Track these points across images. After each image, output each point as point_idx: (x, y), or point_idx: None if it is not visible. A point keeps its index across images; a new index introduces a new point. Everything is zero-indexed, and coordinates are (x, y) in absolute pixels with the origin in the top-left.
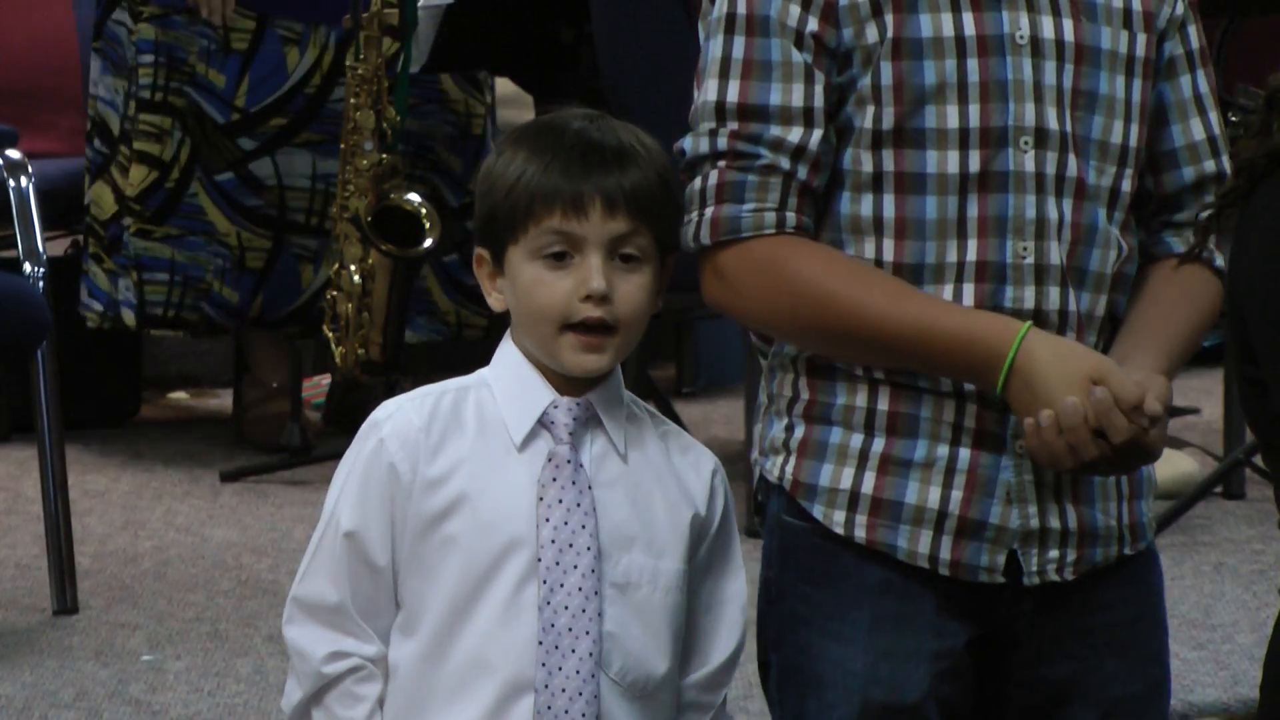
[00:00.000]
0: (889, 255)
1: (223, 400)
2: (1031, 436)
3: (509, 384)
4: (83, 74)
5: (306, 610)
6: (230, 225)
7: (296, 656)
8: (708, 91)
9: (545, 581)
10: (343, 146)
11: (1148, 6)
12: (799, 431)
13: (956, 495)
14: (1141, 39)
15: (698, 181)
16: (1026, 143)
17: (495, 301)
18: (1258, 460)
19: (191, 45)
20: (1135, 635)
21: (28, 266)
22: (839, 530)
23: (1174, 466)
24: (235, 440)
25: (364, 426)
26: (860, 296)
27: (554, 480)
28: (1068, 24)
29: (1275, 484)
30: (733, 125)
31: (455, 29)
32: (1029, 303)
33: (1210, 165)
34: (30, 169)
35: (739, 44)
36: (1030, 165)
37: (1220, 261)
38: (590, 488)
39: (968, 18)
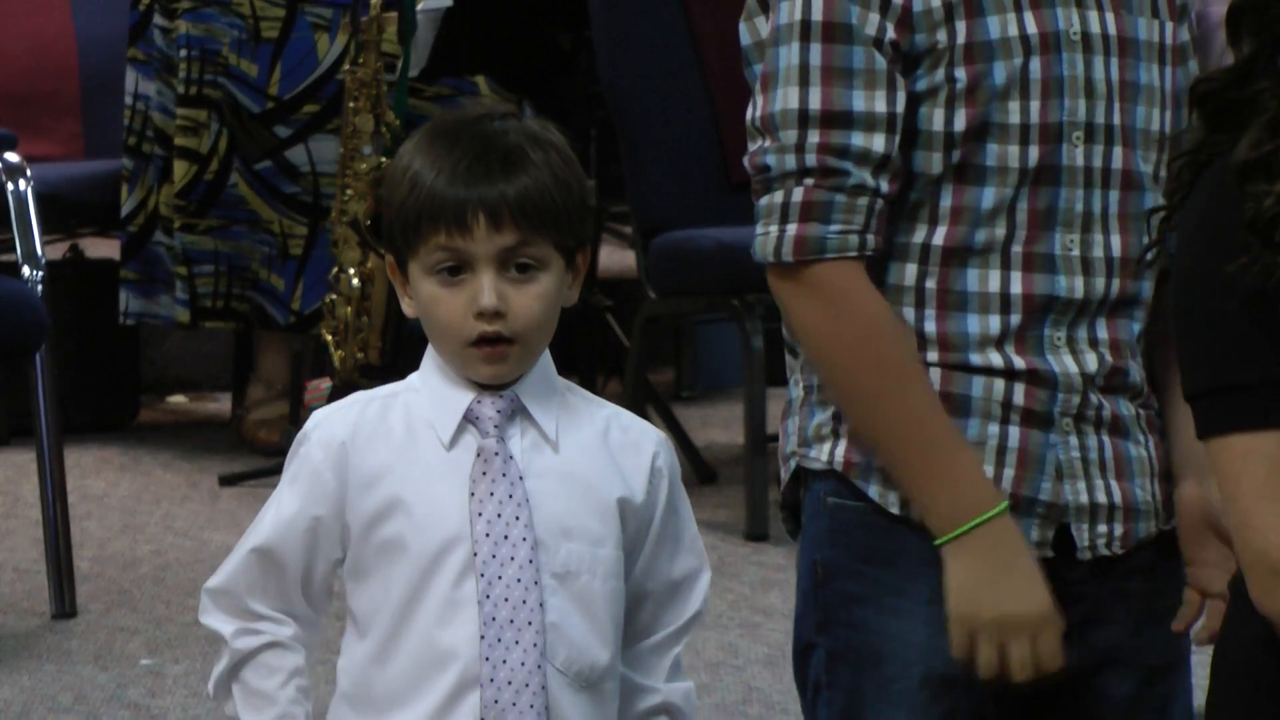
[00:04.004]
0: (939, 239)
1: (221, 404)
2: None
3: (435, 386)
4: (81, 79)
5: (214, 599)
6: (273, 213)
7: (218, 639)
8: (786, 99)
9: (483, 575)
10: (341, 150)
11: None
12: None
13: (1009, 473)
14: (1169, 26)
15: (779, 195)
16: (1078, 138)
17: (408, 307)
18: None
19: (224, 36)
20: (1168, 606)
21: (26, 270)
22: (894, 509)
23: None
24: (234, 443)
25: (297, 437)
26: (911, 372)
27: (484, 474)
28: (1110, 17)
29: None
30: (817, 136)
31: (454, 34)
32: (1079, 293)
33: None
34: (29, 172)
35: (817, 51)
36: (1080, 160)
37: None
38: (522, 479)
39: (1028, 16)
